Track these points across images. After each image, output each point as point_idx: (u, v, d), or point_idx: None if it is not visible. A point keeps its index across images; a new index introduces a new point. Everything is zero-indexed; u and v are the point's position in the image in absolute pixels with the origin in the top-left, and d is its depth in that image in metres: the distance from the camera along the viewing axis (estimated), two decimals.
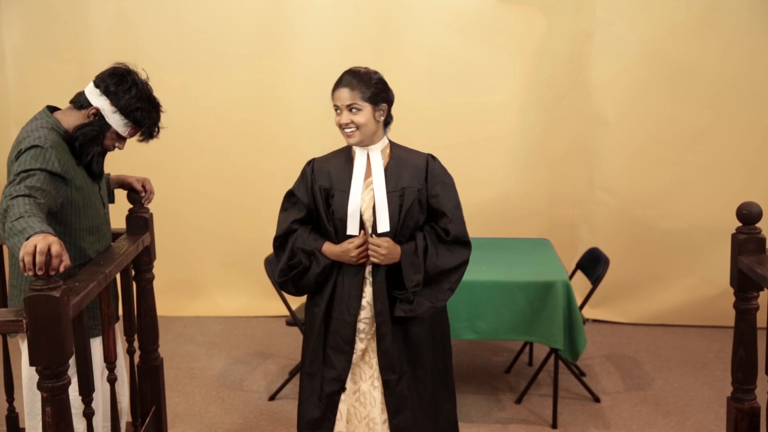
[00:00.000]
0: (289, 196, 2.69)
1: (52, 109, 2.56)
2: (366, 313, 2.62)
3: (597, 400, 3.94)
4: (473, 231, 4.74)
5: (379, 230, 2.55)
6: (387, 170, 2.60)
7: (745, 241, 2.55)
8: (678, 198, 5.00)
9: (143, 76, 2.57)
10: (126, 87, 2.48)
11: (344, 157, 2.66)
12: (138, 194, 2.87)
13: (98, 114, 2.49)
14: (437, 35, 5.03)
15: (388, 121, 2.66)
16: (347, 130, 2.55)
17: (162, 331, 3.17)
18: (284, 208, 2.69)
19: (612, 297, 5.12)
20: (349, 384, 2.65)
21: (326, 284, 2.63)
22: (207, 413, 3.87)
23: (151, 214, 2.92)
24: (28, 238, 1.93)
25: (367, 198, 2.58)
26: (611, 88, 4.97)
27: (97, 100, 2.49)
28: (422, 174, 2.61)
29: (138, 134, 2.60)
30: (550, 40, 4.99)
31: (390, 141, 2.69)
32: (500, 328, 3.58)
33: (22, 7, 5.19)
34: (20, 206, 2.09)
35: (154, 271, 3.00)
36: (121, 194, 2.93)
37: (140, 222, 2.86)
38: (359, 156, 2.61)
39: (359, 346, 2.63)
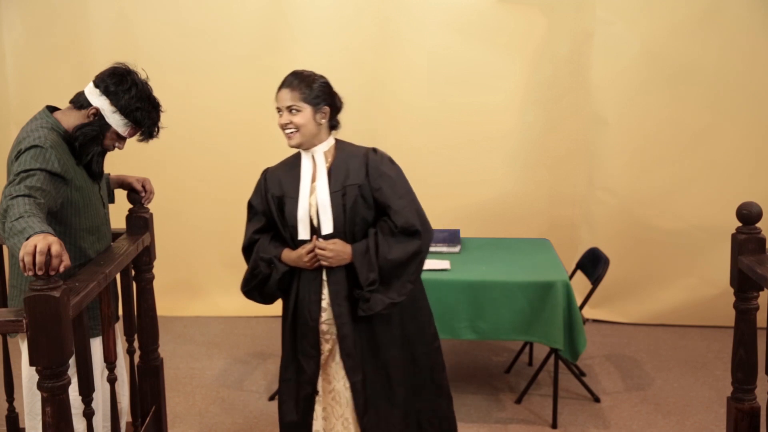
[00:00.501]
0: (249, 207, 2.76)
1: (52, 109, 2.56)
2: (327, 315, 2.64)
3: (597, 400, 3.94)
4: (473, 231, 4.80)
5: (324, 232, 2.57)
6: (331, 170, 2.61)
7: (745, 241, 2.55)
8: (678, 198, 4.99)
9: (143, 76, 2.57)
10: (126, 87, 2.48)
11: (293, 163, 2.69)
12: (138, 194, 2.87)
13: (98, 114, 2.49)
14: (437, 35, 5.03)
15: (334, 125, 2.67)
16: (287, 131, 2.57)
17: (162, 331, 3.17)
18: (247, 219, 2.76)
19: (612, 297, 5.12)
20: (324, 384, 2.69)
21: (291, 291, 2.68)
22: (207, 413, 3.87)
23: (151, 214, 2.92)
24: (28, 238, 1.93)
25: (315, 201, 2.60)
26: (611, 88, 4.97)
27: (97, 100, 2.49)
28: (363, 170, 2.60)
29: (138, 134, 2.60)
30: (550, 40, 4.99)
31: (336, 140, 2.69)
32: (500, 328, 3.58)
33: (22, 7, 5.19)
34: (20, 206, 2.09)
35: (154, 271, 3.00)
36: (121, 194, 2.93)
37: (140, 222, 2.86)
38: (305, 160, 2.64)
39: (326, 347, 2.66)
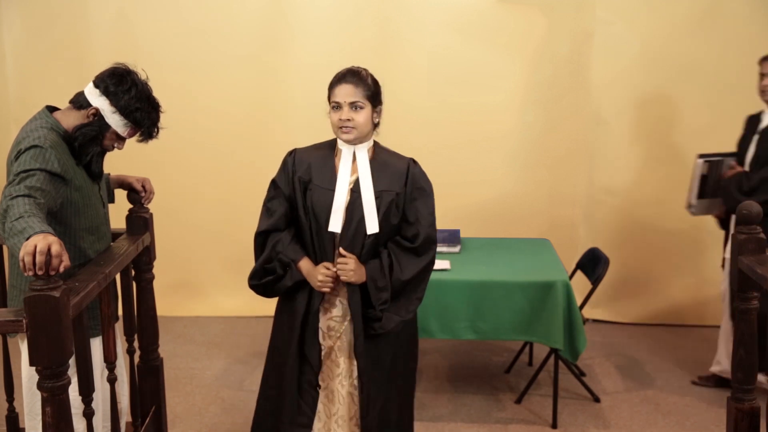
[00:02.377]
0: (274, 186, 2.67)
1: (52, 109, 2.56)
2: (336, 311, 2.64)
3: (597, 400, 3.94)
4: (473, 231, 4.80)
5: (369, 231, 2.55)
6: (372, 172, 2.60)
7: (745, 241, 2.55)
8: (678, 198, 4.98)
9: (143, 76, 2.57)
10: (126, 87, 2.48)
11: (327, 152, 2.64)
12: (138, 194, 2.87)
13: (98, 114, 2.49)
14: (437, 35, 5.03)
15: (376, 125, 2.65)
16: (345, 127, 2.53)
17: (162, 331, 3.17)
18: (269, 198, 2.67)
19: (612, 297, 5.12)
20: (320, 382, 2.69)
21: (305, 287, 2.62)
22: (207, 413, 3.87)
23: (151, 214, 2.92)
24: (28, 238, 1.93)
25: (350, 198, 2.58)
26: (611, 88, 4.97)
27: (97, 100, 2.49)
28: (402, 179, 2.60)
29: (137, 135, 2.60)
30: (550, 40, 4.98)
31: (375, 142, 2.68)
32: (500, 328, 3.58)
33: (22, 7, 5.19)
34: (20, 206, 2.09)
35: (154, 271, 3.00)
36: (121, 194, 2.92)
37: (140, 222, 2.86)
38: (346, 154, 2.59)
39: (327, 343, 2.66)
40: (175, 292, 5.30)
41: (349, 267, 2.53)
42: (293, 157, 2.65)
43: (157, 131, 2.62)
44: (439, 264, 3.74)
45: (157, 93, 2.61)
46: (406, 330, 2.71)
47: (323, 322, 2.66)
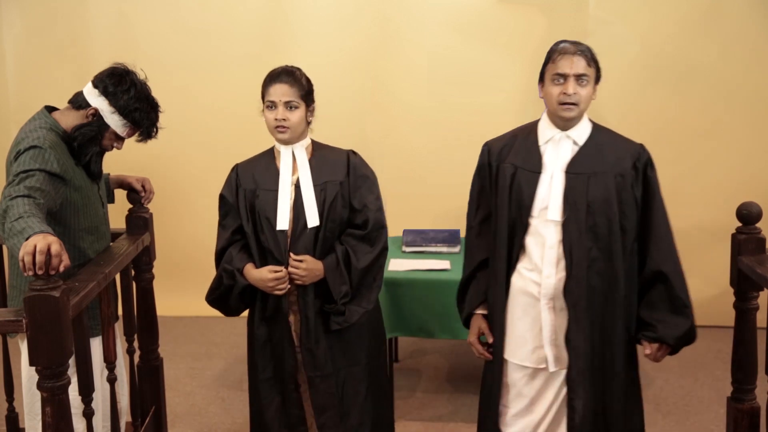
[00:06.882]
0: (222, 200, 2.71)
1: (51, 109, 2.56)
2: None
3: None
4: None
5: (309, 225, 2.55)
6: (311, 167, 2.61)
7: (745, 241, 2.56)
8: (678, 198, 4.97)
9: (142, 76, 2.58)
10: (125, 87, 2.49)
11: (268, 159, 2.67)
12: (138, 194, 2.87)
13: (97, 114, 2.49)
14: (437, 35, 5.02)
15: (308, 123, 2.67)
16: (280, 126, 2.54)
17: (162, 331, 3.17)
18: (221, 216, 2.72)
19: None
20: (300, 377, 2.68)
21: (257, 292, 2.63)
22: (207, 413, 3.87)
23: (151, 214, 2.93)
24: (27, 238, 1.93)
25: (294, 195, 2.59)
26: (611, 88, 4.95)
27: (96, 100, 2.49)
28: (344, 169, 2.62)
29: (136, 134, 2.60)
30: (550, 40, 4.93)
31: (312, 139, 2.70)
32: None
33: (22, 7, 5.19)
34: (19, 207, 2.09)
35: (154, 271, 3.00)
36: (121, 194, 2.93)
37: (140, 222, 2.86)
38: (285, 155, 2.62)
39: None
40: (175, 292, 5.30)
41: (300, 270, 2.52)
42: (236, 171, 2.69)
43: (156, 131, 2.63)
44: (439, 264, 3.74)
45: (156, 93, 2.61)
46: (371, 323, 2.71)
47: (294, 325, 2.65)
